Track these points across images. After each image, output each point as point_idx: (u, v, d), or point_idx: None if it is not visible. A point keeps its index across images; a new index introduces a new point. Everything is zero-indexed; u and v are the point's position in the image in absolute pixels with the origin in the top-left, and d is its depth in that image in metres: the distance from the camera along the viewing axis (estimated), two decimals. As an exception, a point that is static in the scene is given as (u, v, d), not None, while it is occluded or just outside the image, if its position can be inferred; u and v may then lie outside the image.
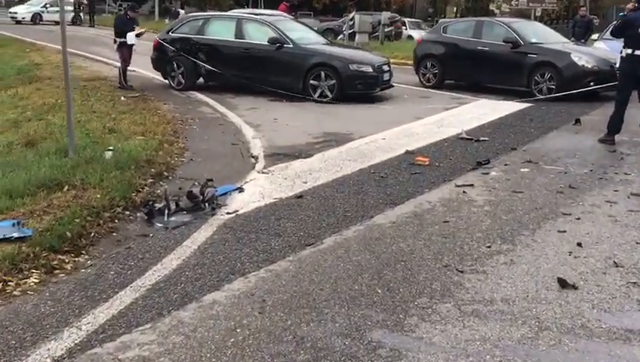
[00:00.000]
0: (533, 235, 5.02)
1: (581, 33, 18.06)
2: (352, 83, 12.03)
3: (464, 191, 6.25)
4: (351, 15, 25.18)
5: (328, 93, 12.07)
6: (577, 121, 10.05)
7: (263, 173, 7.18)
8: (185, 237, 5.12)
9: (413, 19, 40.42)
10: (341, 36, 26.95)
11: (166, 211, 5.74)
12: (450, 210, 5.70)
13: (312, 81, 12.13)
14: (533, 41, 13.29)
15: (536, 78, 12.82)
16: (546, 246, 4.79)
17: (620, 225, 5.26)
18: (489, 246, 4.76)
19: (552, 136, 9.15)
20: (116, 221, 5.41)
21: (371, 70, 12.17)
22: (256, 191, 6.40)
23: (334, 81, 12.00)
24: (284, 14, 18.19)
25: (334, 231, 5.13)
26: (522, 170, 7.16)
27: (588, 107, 11.74)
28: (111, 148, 7.36)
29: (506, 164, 7.43)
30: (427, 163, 7.45)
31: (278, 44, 12.33)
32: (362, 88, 12.13)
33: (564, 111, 11.28)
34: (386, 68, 12.62)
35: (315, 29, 35.80)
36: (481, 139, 8.84)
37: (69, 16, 35.46)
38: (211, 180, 6.74)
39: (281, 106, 11.85)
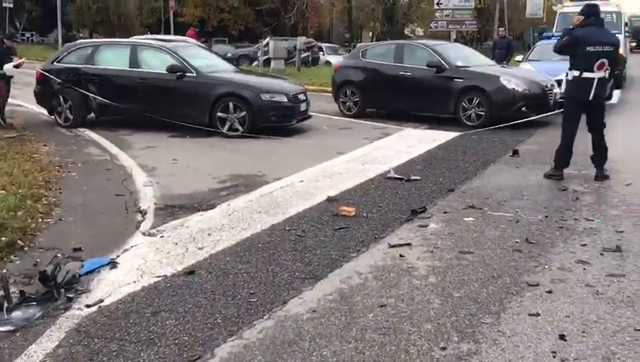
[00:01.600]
0: (499, 323, 3.76)
1: (502, 55, 17.40)
2: (265, 114, 10.70)
3: (401, 255, 4.97)
4: (265, 41, 23.96)
5: (239, 127, 10.70)
6: (515, 152, 9.04)
7: (149, 235, 5.70)
8: (24, 346, 3.61)
9: (330, 45, 39.73)
10: (256, 63, 25.69)
11: (5, 304, 4.19)
12: (387, 285, 4.39)
13: (219, 114, 10.72)
14: (459, 64, 12.37)
15: (463, 104, 11.86)
16: (519, 341, 3.53)
17: (605, 300, 4.08)
18: (444, 348, 3.46)
19: (492, 172, 8.06)
20: None
21: (286, 100, 10.88)
22: (135, 265, 4.91)
23: (245, 113, 10.64)
24: (191, 40, 16.81)
25: (231, 333, 3.71)
26: (466, 219, 5.96)
27: (522, 134, 10.82)
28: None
29: (445, 212, 6.22)
30: (353, 213, 6.15)
31: (179, 73, 10.88)
32: (277, 120, 10.81)
33: (497, 141, 10.30)
34: (302, 97, 11.37)
35: (229, 55, 34.55)
36: (413, 178, 7.64)
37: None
38: (79, 250, 5.25)
39: (184, 143, 10.38)
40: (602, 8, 19.98)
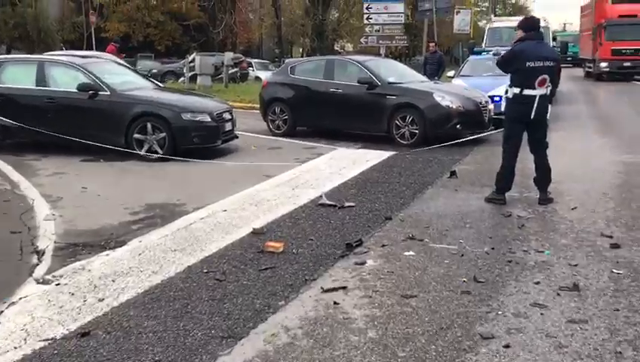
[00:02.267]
0: (453, 392, 3.14)
1: (434, 70, 17.13)
2: (187, 136, 9.91)
3: (335, 302, 4.32)
4: (191, 56, 23.08)
5: (158, 149, 9.88)
6: (453, 173, 8.56)
7: (43, 282, 4.87)
8: None
9: (260, 60, 39.13)
10: (182, 79, 24.76)
11: None
12: (319, 343, 3.72)
13: (136, 135, 9.88)
14: (391, 80, 11.91)
15: (396, 122, 11.40)
16: (479, 417, 2.92)
17: (570, 354, 3.53)
18: None
19: (430, 196, 7.53)
20: None
21: (209, 119, 10.13)
22: (20, 324, 4.09)
23: (164, 134, 9.83)
24: (108, 56, 15.85)
25: (125, 424, 2.97)
26: (406, 253, 5.37)
27: (458, 153, 10.40)
28: None
29: (383, 245, 5.61)
30: (281, 249, 5.48)
31: (92, 92, 9.97)
32: (200, 141, 10.04)
33: (433, 160, 9.83)
34: (227, 116, 10.65)
35: (155, 71, 33.38)
36: (347, 204, 7.03)
37: None
38: (-47, 307, 4.38)
39: (98, 168, 9.48)
40: (529, 24, 20.08)
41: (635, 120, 15.57)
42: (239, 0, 48.66)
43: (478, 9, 60.96)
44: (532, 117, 6.77)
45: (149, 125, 9.84)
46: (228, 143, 10.95)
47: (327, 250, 5.51)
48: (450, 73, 16.31)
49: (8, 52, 43.31)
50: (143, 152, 9.88)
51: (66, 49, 37.92)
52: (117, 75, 10.92)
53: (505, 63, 6.89)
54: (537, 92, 6.74)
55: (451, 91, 11.84)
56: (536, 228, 6.11)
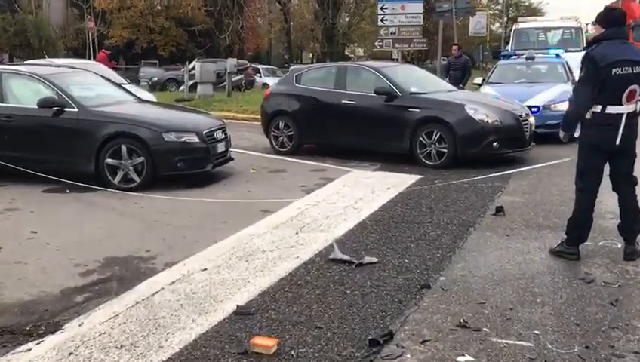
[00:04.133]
0: None
1: (457, 77, 15.33)
2: (169, 160, 8.20)
3: None
4: (192, 64, 21.39)
5: (135, 177, 8.17)
6: (499, 209, 6.78)
7: None
8: None
9: (267, 66, 37.43)
10: (182, 87, 23.11)
11: None
12: None
13: (108, 160, 8.18)
14: (413, 90, 10.13)
15: (421, 139, 9.63)
16: None
17: None
18: None
19: (475, 245, 5.74)
20: None
21: (197, 140, 8.40)
22: None
23: (142, 159, 8.12)
24: (98, 65, 14.26)
25: None
26: (460, 359, 3.59)
27: (496, 177, 8.60)
28: None
29: (424, 341, 3.83)
30: (273, 349, 3.72)
31: (56, 108, 8.28)
32: (185, 167, 8.31)
33: (468, 188, 8.05)
34: (219, 135, 8.90)
35: (155, 78, 31.70)
36: (366, 261, 5.27)
37: None
38: None
39: (59, 202, 7.78)
40: (560, 24, 18.34)
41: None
42: (247, 4, 46.96)
43: (491, 12, 59.03)
44: (617, 143, 4.97)
45: (123, 148, 8.12)
46: (222, 166, 9.22)
47: (341, 348, 3.75)
48: (477, 80, 14.47)
49: (10, 60, 41.94)
50: (116, 182, 8.16)
51: (69, 56, 36.50)
52: (89, 87, 9.22)
53: (588, 80, 4.96)
54: (625, 109, 4.95)
55: (486, 103, 10.06)
56: (638, 304, 4.31)
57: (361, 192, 7.98)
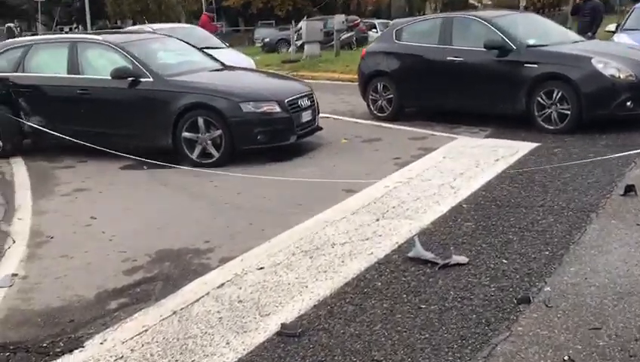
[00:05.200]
0: None
1: (586, 24, 13.42)
2: (248, 132, 7.47)
3: None
4: (300, 23, 20.62)
5: (213, 152, 7.55)
6: (630, 188, 5.49)
7: None
8: None
9: (383, 21, 35.93)
10: (292, 48, 22.43)
11: None
12: None
13: (185, 134, 7.59)
14: (531, 43, 8.74)
15: (539, 99, 8.29)
16: None
17: None
18: None
19: (595, 238, 4.54)
20: None
21: (278, 109, 7.60)
22: None
23: (220, 132, 7.45)
24: (198, 28, 13.82)
25: None
26: None
27: (629, 143, 7.19)
28: None
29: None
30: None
31: (131, 79, 7.76)
32: (266, 140, 7.54)
33: (593, 158, 6.71)
34: (305, 102, 8.06)
35: (267, 40, 31.16)
36: (453, 261, 4.27)
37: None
38: None
39: (133, 180, 7.32)
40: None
41: None
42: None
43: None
44: None
45: (200, 120, 7.49)
46: (311, 136, 8.40)
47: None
48: (611, 27, 12.58)
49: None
50: (194, 156, 7.58)
51: (189, 21, 36.82)
52: (168, 55, 8.63)
53: None
54: None
55: (617, 54, 8.47)
56: None
57: (463, 166, 6.88)
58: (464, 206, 5.53)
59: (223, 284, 4.25)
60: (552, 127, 8.17)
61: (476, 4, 53.04)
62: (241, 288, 4.15)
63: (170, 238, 5.25)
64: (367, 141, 8.68)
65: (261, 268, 4.47)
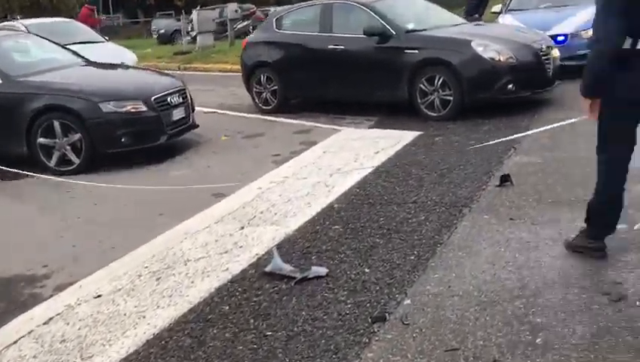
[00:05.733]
0: None
1: (473, 6, 13.40)
2: (110, 135, 6.86)
3: None
4: (192, 13, 19.86)
5: (73, 158, 6.89)
6: (505, 179, 5.26)
7: None
8: None
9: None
10: (184, 39, 21.61)
11: None
12: None
13: (41, 140, 6.88)
14: (410, 27, 8.49)
15: (421, 85, 8.05)
16: None
17: None
18: None
19: (465, 239, 4.25)
20: None
21: (144, 108, 7.01)
22: None
23: (79, 136, 6.80)
24: (75, 22, 12.94)
25: None
26: None
27: (512, 127, 7.05)
28: None
29: None
30: None
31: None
32: (131, 141, 6.95)
33: (474, 145, 6.50)
34: (176, 100, 7.49)
35: (162, 31, 30.09)
36: (312, 273, 3.88)
37: None
38: None
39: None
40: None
41: None
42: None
43: None
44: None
45: (56, 124, 6.80)
46: (186, 134, 7.86)
47: None
48: (496, 8, 12.56)
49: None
50: (53, 164, 6.89)
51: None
52: (23, 54, 7.86)
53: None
54: (667, 42, 3.34)
55: (497, 36, 8.32)
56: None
57: (341, 161, 6.52)
58: (335, 206, 5.15)
59: (50, 319, 3.70)
60: (434, 114, 7.95)
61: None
62: (69, 323, 3.61)
63: (2, 263, 4.62)
64: (249, 137, 8.21)
65: (98, 296, 3.93)
